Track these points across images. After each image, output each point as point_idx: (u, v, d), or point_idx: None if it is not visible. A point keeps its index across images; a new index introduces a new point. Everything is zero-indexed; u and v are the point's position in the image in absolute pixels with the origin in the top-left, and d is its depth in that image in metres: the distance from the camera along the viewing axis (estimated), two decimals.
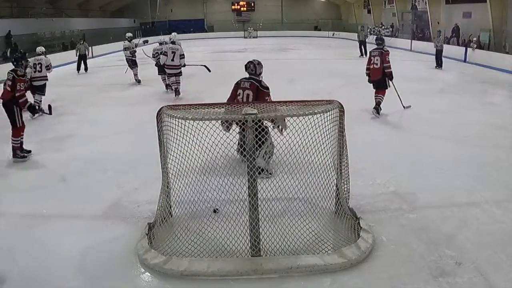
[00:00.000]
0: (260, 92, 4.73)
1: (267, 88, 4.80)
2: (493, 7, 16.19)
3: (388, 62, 7.35)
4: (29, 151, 5.67)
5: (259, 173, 3.86)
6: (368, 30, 21.26)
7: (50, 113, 6.32)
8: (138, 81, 11.69)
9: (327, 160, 3.55)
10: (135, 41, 12.48)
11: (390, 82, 7.46)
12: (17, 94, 5.46)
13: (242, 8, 37.64)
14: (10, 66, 5.97)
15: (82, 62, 14.46)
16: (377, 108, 7.44)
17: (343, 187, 3.71)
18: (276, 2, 37.36)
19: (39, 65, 8.32)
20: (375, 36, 11.30)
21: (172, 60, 9.25)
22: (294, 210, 3.55)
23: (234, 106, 3.55)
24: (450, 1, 19.53)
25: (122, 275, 3.06)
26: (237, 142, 4.09)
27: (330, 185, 3.61)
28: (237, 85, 4.87)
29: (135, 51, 11.51)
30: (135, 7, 34.45)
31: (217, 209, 3.81)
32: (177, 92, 9.50)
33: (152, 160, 4.18)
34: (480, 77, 12.30)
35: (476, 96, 9.57)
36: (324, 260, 3.02)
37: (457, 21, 18.63)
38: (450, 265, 3.04)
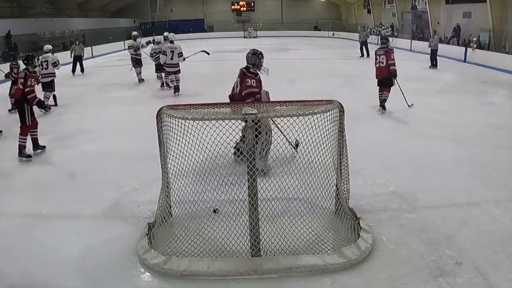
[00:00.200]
0: (245, 77, 4.80)
1: (254, 74, 4.82)
2: (493, 7, 16.18)
3: (393, 60, 7.54)
4: (44, 147, 5.84)
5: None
6: (368, 30, 21.25)
7: (56, 104, 6.43)
8: (140, 80, 11.73)
9: (327, 160, 3.55)
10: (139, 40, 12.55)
11: (395, 80, 7.61)
12: (26, 90, 5.55)
13: (242, 8, 37.62)
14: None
15: (78, 63, 14.12)
16: (383, 105, 7.69)
17: (343, 187, 3.71)
18: (276, 2, 37.34)
19: (46, 62, 8.66)
20: (380, 36, 11.40)
21: (171, 59, 9.59)
22: (294, 210, 3.55)
23: (235, 107, 3.55)
24: (450, 1, 19.52)
25: (122, 275, 3.06)
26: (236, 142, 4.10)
27: (330, 185, 3.61)
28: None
29: (138, 48, 11.59)
30: (135, 7, 34.44)
31: (217, 209, 3.81)
32: (177, 89, 9.83)
33: (152, 160, 4.19)
34: (480, 77, 12.30)
35: (476, 96, 9.58)
36: (324, 260, 3.02)
37: (457, 21, 18.62)
38: (450, 265, 3.04)
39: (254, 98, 4.63)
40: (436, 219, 3.72)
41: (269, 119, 4.27)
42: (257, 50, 4.96)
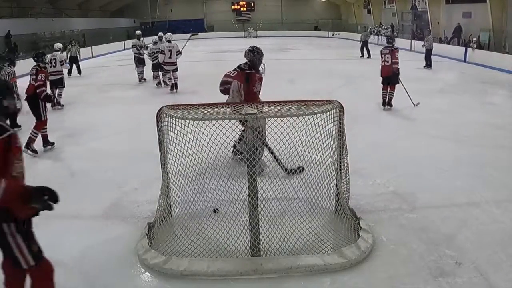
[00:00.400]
0: (235, 70, 4.82)
1: (241, 69, 4.78)
2: (493, 7, 16.19)
3: (397, 59, 7.70)
4: (53, 143, 5.94)
5: None
6: (368, 31, 21.26)
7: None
8: (141, 80, 11.74)
9: (327, 160, 3.55)
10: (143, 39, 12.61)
11: (399, 79, 7.73)
12: (36, 84, 5.60)
13: (242, 8, 37.66)
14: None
15: (74, 64, 13.62)
16: (390, 103, 7.85)
17: (343, 187, 3.71)
18: (276, 2, 37.36)
19: (54, 60, 8.79)
20: (380, 36, 11.52)
21: (170, 57, 9.95)
22: (294, 210, 3.54)
23: (235, 107, 3.55)
24: (450, 1, 19.53)
25: (122, 275, 3.05)
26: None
27: (330, 185, 3.60)
28: None
29: (142, 47, 11.66)
30: (135, 7, 34.46)
31: (217, 209, 3.81)
32: (175, 86, 10.15)
33: (152, 160, 4.19)
34: (480, 77, 12.31)
35: (476, 96, 9.58)
36: (324, 260, 3.02)
37: (457, 21, 18.61)
38: (450, 265, 3.04)
39: (223, 88, 4.77)
40: (436, 219, 3.72)
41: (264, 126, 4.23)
42: (255, 48, 4.88)
